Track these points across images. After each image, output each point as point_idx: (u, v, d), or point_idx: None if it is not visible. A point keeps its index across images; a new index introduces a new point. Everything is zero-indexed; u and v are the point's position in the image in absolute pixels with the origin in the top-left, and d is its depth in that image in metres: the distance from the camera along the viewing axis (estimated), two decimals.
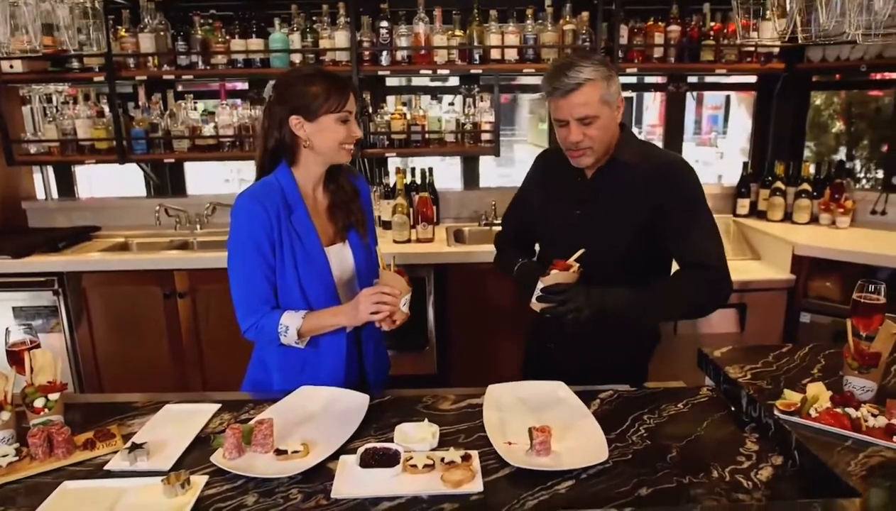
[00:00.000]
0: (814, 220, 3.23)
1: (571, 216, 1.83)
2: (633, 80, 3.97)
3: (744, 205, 3.44)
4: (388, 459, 1.26)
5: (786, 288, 2.90)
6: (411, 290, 1.61)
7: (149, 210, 3.45)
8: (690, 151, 11.66)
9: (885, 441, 1.22)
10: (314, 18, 3.22)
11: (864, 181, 4.28)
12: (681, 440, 1.36)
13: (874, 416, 1.28)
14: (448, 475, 1.21)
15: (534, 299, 1.66)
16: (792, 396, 1.37)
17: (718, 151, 10.35)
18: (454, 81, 3.69)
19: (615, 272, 1.70)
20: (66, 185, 3.86)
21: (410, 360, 3.06)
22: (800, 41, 2.07)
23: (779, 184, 3.29)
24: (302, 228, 1.66)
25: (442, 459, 1.26)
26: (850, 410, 1.29)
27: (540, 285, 1.64)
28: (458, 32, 3.21)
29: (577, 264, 1.64)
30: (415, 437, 1.36)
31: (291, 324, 1.60)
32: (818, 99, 4.40)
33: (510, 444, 1.32)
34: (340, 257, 1.71)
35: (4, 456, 1.31)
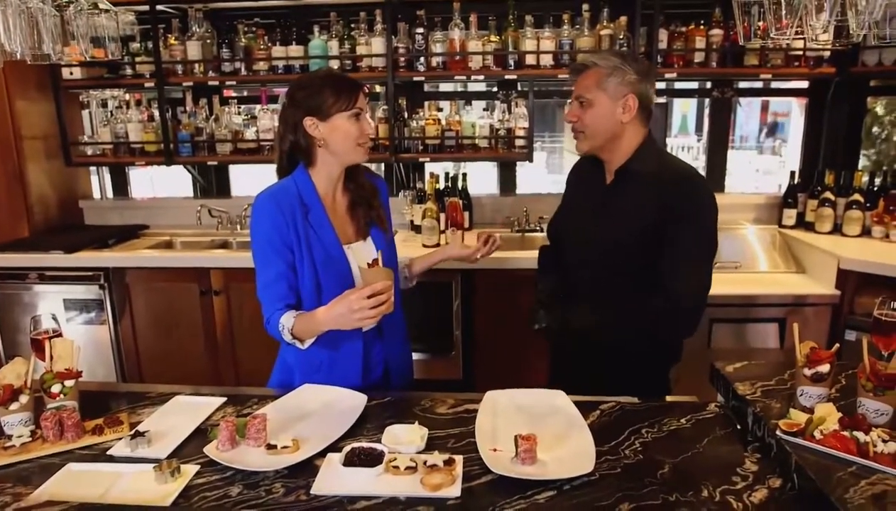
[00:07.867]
0: (866, 232, 3.06)
1: (588, 224, 1.81)
2: (681, 85, 3.85)
3: (790, 215, 3.27)
4: (371, 459, 1.27)
5: (830, 303, 2.74)
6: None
7: (194, 210, 3.59)
8: (753, 160, 11.16)
9: (893, 468, 1.14)
10: (352, 25, 3.29)
11: None
12: (675, 456, 1.31)
13: (884, 441, 1.19)
14: (427, 478, 1.21)
15: None
16: (798, 416, 1.30)
17: (781, 160, 9.90)
18: (493, 87, 3.69)
19: (620, 279, 1.66)
20: (121, 185, 4.07)
21: (437, 365, 3.08)
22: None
23: (828, 194, 3.12)
24: (320, 227, 1.68)
25: (425, 462, 1.25)
26: (859, 434, 1.21)
27: None
28: (493, 38, 3.21)
29: None
30: (403, 438, 1.36)
31: (287, 323, 1.61)
32: (878, 105, 4.15)
33: (495, 450, 1.31)
34: (362, 254, 1.70)
35: (19, 436, 1.39)
